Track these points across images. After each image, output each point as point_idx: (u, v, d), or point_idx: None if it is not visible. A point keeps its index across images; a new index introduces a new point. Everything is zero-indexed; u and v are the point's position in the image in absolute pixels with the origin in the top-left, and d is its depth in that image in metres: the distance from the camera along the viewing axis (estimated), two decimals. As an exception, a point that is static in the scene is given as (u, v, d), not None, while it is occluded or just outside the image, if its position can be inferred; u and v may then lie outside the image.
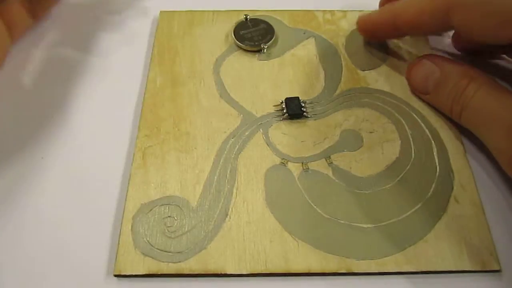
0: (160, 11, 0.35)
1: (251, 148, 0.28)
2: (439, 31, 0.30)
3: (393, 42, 0.33)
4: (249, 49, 0.32)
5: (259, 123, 0.29)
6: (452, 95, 0.27)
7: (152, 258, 0.24)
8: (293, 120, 0.29)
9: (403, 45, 0.33)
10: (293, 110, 0.29)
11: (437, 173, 0.27)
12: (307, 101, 0.30)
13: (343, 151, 0.28)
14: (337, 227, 0.25)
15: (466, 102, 0.26)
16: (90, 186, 0.27)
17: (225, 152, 0.28)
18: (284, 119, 0.29)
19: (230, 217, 0.25)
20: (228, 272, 0.23)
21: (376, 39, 0.33)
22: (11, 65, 0.32)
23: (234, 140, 0.28)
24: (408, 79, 0.31)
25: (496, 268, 0.24)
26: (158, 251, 0.24)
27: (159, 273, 0.23)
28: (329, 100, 0.30)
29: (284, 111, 0.29)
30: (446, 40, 0.34)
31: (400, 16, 0.28)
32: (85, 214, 0.25)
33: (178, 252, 0.24)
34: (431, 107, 0.30)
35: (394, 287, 0.24)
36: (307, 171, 0.27)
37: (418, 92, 0.30)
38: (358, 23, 0.32)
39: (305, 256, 0.24)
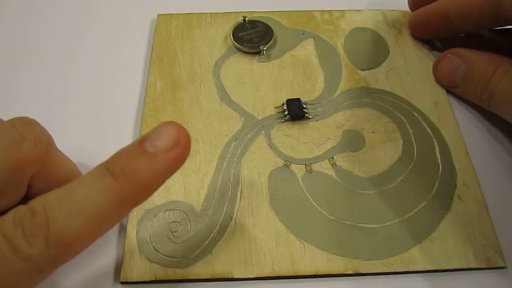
0: (158, 15, 0.34)
1: (254, 150, 0.28)
2: (492, 20, 0.29)
3: (393, 42, 0.33)
4: (248, 51, 0.32)
5: (261, 126, 0.29)
6: (480, 84, 0.27)
7: (158, 264, 0.24)
8: (295, 122, 0.29)
9: (403, 43, 0.33)
10: (295, 111, 0.29)
11: (440, 172, 0.27)
12: (308, 102, 0.30)
13: (346, 151, 0.28)
14: (342, 228, 0.25)
15: (494, 88, 0.27)
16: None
17: (228, 156, 0.27)
18: (286, 120, 0.29)
19: (235, 221, 0.25)
20: (235, 276, 0.23)
21: (426, 35, 0.33)
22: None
23: (237, 143, 0.28)
24: (435, 75, 0.31)
25: (502, 264, 0.24)
26: (164, 257, 0.24)
27: (166, 279, 0.23)
28: (329, 100, 0.30)
29: (286, 112, 0.29)
30: (448, 42, 0.34)
31: (453, 3, 0.29)
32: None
33: (184, 258, 0.24)
34: (431, 107, 0.30)
35: (401, 286, 0.24)
36: (310, 172, 0.27)
37: (446, 87, 0.30)
38: (409, 18, 0.33)
39: (311, 258, 0.24)
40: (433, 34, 0.33)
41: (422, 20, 0.32)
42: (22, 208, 0.17)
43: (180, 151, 0.18)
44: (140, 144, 0.18)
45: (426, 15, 0.32)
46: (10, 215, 0.17)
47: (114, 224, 0.19)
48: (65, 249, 0.17)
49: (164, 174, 0.18)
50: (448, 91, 0.31)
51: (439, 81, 0.31)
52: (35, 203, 0.17)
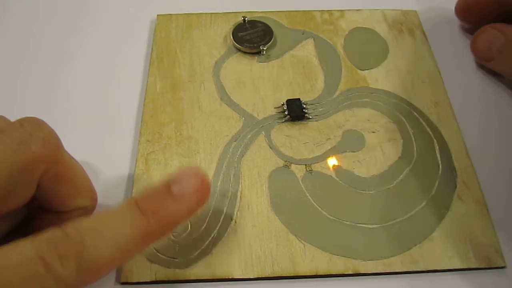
0: (158, 15, 0.34)
1: (254, 151, 0.28)
2: None
3: (393, 42, 0.33)
4: (248, 51, 0.32)
5: (261, 126, 0.29)
6: None
7: (159, 264, 0.24)
8: (295, 122, 0.29)
9: (403, 43, 0.33)
10: (295, 111, 0.29)
11: (440, 172, 0.27)
12: (308, 102, 0.30)
13: (346, 151, 0.28)
14: (342, 228, 0.25)
15: None
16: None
17: (228, 156, 0.27)
18: (286, 121, 0.29)
19: (235, 221, 0.25)
20: (235, 277, 0.23)
21: (474, 18, 0.33)
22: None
23: (237, 143, 0.28)
24: (472, 48, 0.32)
25: (502, 264, 0.24)
26: (164, 257, 0.24)
27: (166, 279, 0.23)
28: (329, 100, 0.30)
29: (286, 113, 0.29)
30: (448, 41, 0.34)
31: None
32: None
33: (184, 258, 0.24)
34: (431, 107, 0.30)
35: (401, 286, 0.24)
36: (310, 172, 0.27)
37: (482, 59, 0.31)
38: (457, 3, 0.33)
39: (311, 258, 0.24)
40: (481, 17, 0.33)
41: (472, 2, 0.33)
42: (57, 231, 0.18)
43: (202, 194, 0.21)
44: (167, 186, 0.20)
45: (475, 3, 0.32)
46: (45, 235, 0.18)
47: (136, 254, 0.21)
48: (93, 273, 0.18)
49: (187, 214, 0.21)
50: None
51: (476, 54, 0.32)
52: (70, 227, 0.18)
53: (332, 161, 0.27)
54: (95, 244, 0.18)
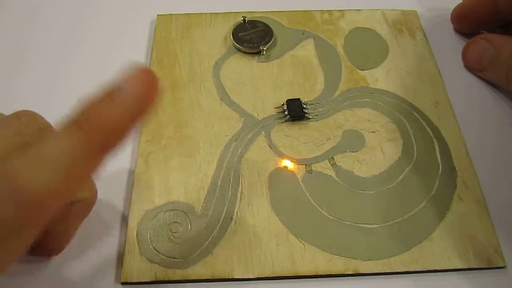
0: (158, 15, 0.34)
1: (254, 151, 0.28)
2: None
3: (393, 42, 0.33)
4: (248, 51, 0.32)
5: (261, 126, 0.29)
6: (507, 65, 0.28)
7: (159, 264, 0.24)
8: (295, 122, 0.29)
9: (403, 44, 0.33)
10: (295, 111, 0.29)
11: (440, 172, 0.27)
12: (308, 102, 0.30)
13: (346, 151, 0.28)
14: (342, 228, 0.25)
15: None
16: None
17: (228, 156, 0.27)
18: (286, 121, 0.29)
19: (235, 221, 0.25)
20: (235, 277, 0.23)
21: (470, 26, 0.33)
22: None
23: (237, 143, 0.28)
24: (464, 59, 0.32)
25: (502, 264, 0.24)
26: (164, 257, 0.24)
27: (166, 279, 0.23)
28: (329, 100, 0.30)
29: (286, 113, 0.29)
30: (448, 41, 0.34)
31: None
32: (90, 223, 0.25)
33: (184, 258, 0.24)
34: (431, 107, 0.30)
35: (402, 286, 0.24)
36: (310, 172, 0.27)
37: (474, 70, 0.31)
38: (453, 10, 0.33)
39: (311, 258, 0.24)
40: (477, 23, 0.33)
41: (468, 9, 0.33)
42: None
43: (147, 90, 0.18)
44: (107, 92, 0.18)
45: (472, 4, 0.32)
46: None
47: (87, 176, 0.19)
48: (38, 207, 0.16)
49: (132, 116, 0.18)
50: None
51: (467, 65, 0.32)
52: (2, 167, 0.16)
53: (332, 161, 0.27)
54: (29, 174, 0.16)
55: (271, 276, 0.24)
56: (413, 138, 0.28)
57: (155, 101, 0.18)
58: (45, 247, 0.23)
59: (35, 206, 0.16)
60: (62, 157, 0.17)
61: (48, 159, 0.17)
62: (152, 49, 0.32)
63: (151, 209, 0.25)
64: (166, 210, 0.25)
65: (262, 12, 0.35)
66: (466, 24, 0.33)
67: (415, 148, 0.28)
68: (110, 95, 0.18)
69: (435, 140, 0.28)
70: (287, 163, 0.27)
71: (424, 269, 0.24)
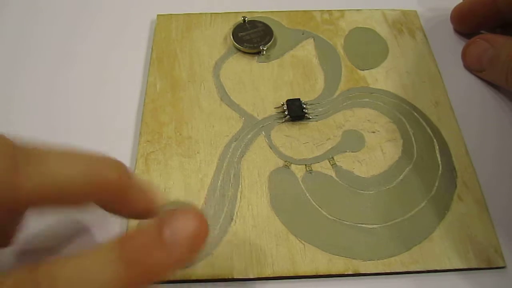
0: (158, 15, 0.34)
1: (254, 151, 0.28)
2: None
3: (393, 42, 0.33)
4: (248, 51, 0.32)
5: (261, 126, 0.29)
6: (506, 65, 0.28)
7: (159, 264, 0.24)
8: (295, 122, 0.29)
9: (403, 44, 0.33)
10: (295, 111, 0.29)
11: (440, 172, 0.27)
12: (308, 102, 0.30)
13: (346, 151, 0.28)
14: (342, 228, 0.25)
15: None
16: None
17: (228, 156, 0.27)
18: (286, 121, 0.29)
19: (235, 222, 0.25)
20: (235, 277, 0.23)
21: (470, 26, 0.33)
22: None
23: (237, 143, 0.28)
24: (463, 60, 0.32)
25: (502, 265, 0.24)
26: (164, 257, 0.24)
27: (166, 279, 0.23)
28: (329, 100, 0.30)
29: (286, 113, 0.29)
30: (448, 41, 0.34)
31: None
32: (91, 222, 0.25)
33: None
34: (431, 107, 0.30)
35: (402, 286, 0.24)
36: (310, 172, 0.27)
37: (474, 70, 0.31)
38: (453, 10, 0.33)
39: (311, 259, 0.24)
40: (477, 23, 0.33)
41: (468, 9, 0.33)
42: (26, 277, 0.16)
43: (198, 243, 0.18)
44: (159, 228, 0.17)
45: (471, 4, 0.32)
46: (11, 279, 0.16)
47: None
48: None
49: (176, 266, 0.18)
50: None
51: (467, 66, 0.32)
52: (43, 274, 0.16)
53: (332, 161, 0.27)
54: None
55: (271, 276, 0.24)
56: (413, 138, 0.28)
57: (201, 248, 0.18)
58: None
59: None
60: (98, 285, 0.16)
61: (85, 284, 0.16)
62: (152, 49, 0.32)
63: (151, 209, 0.25)
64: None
65: (262, 12, 0.35)
66: (466, 24, 0.33)
67: (415, 148, 0.28)
68: (160, 234, 0.17)
69: (435, 140, 0.28)
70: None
71: (424, 269, 0.24)
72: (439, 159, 0.27)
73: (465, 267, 0.24)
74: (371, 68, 0.32)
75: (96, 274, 0.16)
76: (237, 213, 0.25)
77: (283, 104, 0.29)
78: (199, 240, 0.18)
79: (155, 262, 0.17)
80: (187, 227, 0.17)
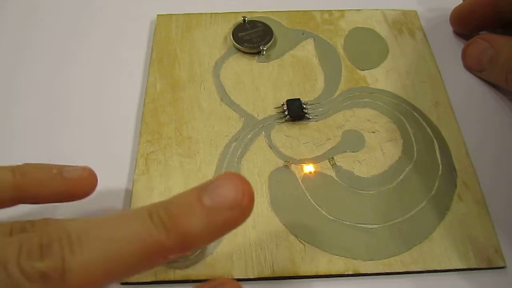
0: (157, 15, 0.34)
1: (254, 151, 0.28)
2: None
3: (393, 42, 0.33)
4: (248, 51, 0.32)
5: (261, 126, 0.29)
6: (506, 65, 0.28)
7: (159, 264, 0.24)
8: (295, 122, 0.29)
9: (403, 44, 0.33)
10: (295, 111, 0.29)
11: (440, 172, 0.27)
12: (308, 102, 0.30)
13: (346, 151, 0.28)
14: (342, 229, 0.25)
15: None
16: (94, 193, 0.26)
17: (228, 156, 0.27)
18: (286, 121, 0.29)
19: (235, 221, 0.25)
20: (235, 277, 0.23)
21: (469, 26, 0.33)
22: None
23: (237, 143, 0.28)
24: (463, 60, 0.32)
25: (502, 264, 0.24)
26: (164, 257, 0.24)
27: (166, 279, 0.23)
28: (329, 100, 0.30)
29: (286, 113, 0.29)
30: (448, 41, 0.34)
31: None
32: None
33: (184, 258, 0.24)
34: (431, 107, 0.30)
35: (402, 286, 0.24)
36: (311, 173, 0.27)
37: (474, 70, 0.31)
38: (452, 11, 0.33)
39: (311, 259, 0.24)
40: (476, 25, 0.33)
41: (468, 10, 0.33)
42: (33, 238, 0.15)
43: (240, 212, 0.16)
44: (198, 194, 0.16)
45: (471, 5, 0.32)
46: (16, 243, 0.15)
47: (142, 271, 0.17)
48: (77, 284, 0.15)
49: (217, 235, 0.17)
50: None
51: (467, 66, 0.32)
52: (53, 230, 0.15)
53: (332, 161, 0.27)
54: (82, 261, 0.15)
55: (271, 276, 0.23)
56: (413, 138, 0.28)
57: (243, 219, 0.16)
58: None
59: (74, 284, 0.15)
60: (123, 250, 0.15)
61: (106, 247, 0.15)
62: (152, 49, 0.32)
63: (151, 209, 0.25)
64: (166, 210, 0.25)
65: (262, 12, 0.35)
66: (465, 26, 0.33)
67: (415, 148, 0.28)
68: (202, 202, 0.16)
69: (435, 140, 0.28)
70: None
71: (424, 269, 0.24)
72: (439, 159, 0.27)
73: (465, 267, 0.24)
74: (371, 68, 0.32)
75: (121, 230, 0.15)
76: (237, 213, 0.25)
77: (283, 104, 0.29)
78: (242, 206, 0.16)
79: (194, 228, 0.16)
80: (228, 189, 0.16)
